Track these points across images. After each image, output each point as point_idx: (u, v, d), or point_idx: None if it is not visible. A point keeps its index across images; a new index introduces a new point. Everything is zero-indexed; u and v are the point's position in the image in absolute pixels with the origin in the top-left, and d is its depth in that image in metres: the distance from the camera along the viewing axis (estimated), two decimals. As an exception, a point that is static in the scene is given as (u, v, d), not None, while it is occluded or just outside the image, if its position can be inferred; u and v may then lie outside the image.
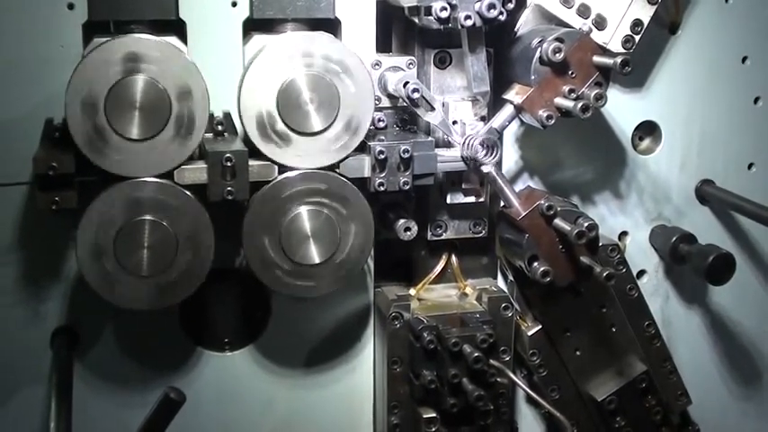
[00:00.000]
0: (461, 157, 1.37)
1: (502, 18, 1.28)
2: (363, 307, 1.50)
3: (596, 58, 1.35)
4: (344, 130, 1.28)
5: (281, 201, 1.29)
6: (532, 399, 1.51)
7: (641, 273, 1.63)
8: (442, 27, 1.29)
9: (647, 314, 1.56)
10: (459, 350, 1.39)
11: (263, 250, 1.30)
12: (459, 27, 1.28)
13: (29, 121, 1.30)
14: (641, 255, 1.62)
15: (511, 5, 1.29)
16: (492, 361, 1.43)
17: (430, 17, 1.28)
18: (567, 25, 1.39)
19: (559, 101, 1.34)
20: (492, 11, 1.26)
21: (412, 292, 1.49)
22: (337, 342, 1.50)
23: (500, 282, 1.55)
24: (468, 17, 1.26)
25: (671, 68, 1.56)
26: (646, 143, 1.60)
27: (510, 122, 1.39)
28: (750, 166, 1.64)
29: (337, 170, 1.31)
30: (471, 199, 1.46)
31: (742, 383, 1.74)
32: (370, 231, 1.33)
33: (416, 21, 1.33)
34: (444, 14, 1.27)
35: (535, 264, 1.37)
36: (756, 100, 1.62)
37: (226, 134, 1.31)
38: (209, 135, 1.30)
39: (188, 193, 1.25)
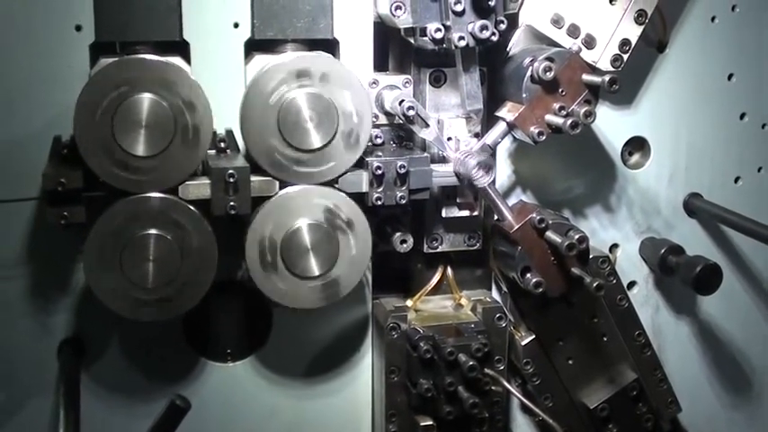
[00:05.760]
0: (454, 172, 1.41)
1: (494, 39, 1.31)
2: (362, 318, 1.53)
3: (585, 77, 1.39)
4: (343, 146, 1.32)
5: (281, 215, 1.32)
6: (526, 406, 1.54)
7: (632, 284, 1.66)
8: (436, 48, 1.33)
9: (637, 324, 1.59)
10: (455, 359, 1.42)
11: (264, 263, 1.33)
12: (453, 48, 1.32)
13: (38, 138, 1.33)
14: (631, 266, 1.65)
15: (503, 26, 1.33)
16: (487, 370, 1.46)
17: (425, 38, 1.32)
18: (557, 45, 1.43)
19: (550, 118, 1.38)
20: (484, 32, 1.30)
21: (409, 303, 1.52)
22: (337, 352, 1.53)
23: (494, 293, 1.58)
24: (461, 38, 1.30)
25: (659, 86, 1.60)
26: (635, 158, 1.63)
27: (502, 139, 1.42)
28: (736, 179, 1.68)
29: (336, 185, 1.34)
30: (466, 213, 1.49)
31: (731, 391, 1.77)
32: (368, 244, 1.37)
33: (412, 41, 1.38)
34: (439, 35, 1.31)
35: (528, 275, 1.41)
36: (742, 116, 1.66)
37: (228, 151, 1.34)
38: (212, 152, 1.33)
39: (192, 207, 1.28)
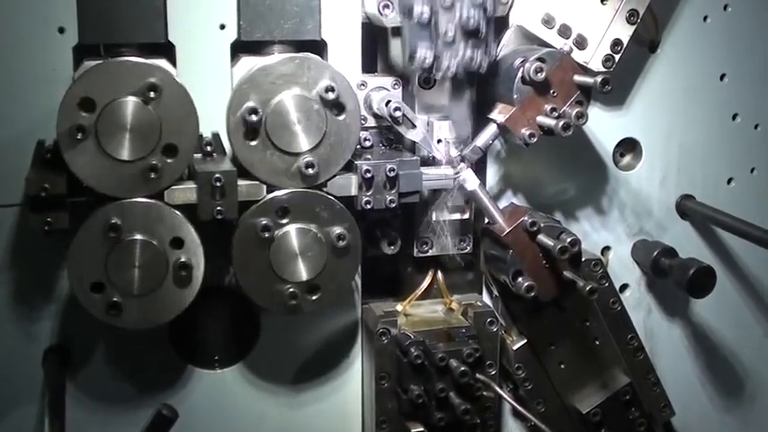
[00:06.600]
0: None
1: (484, 68, 1.32)
2: (351, 323, 1.51)
3: (577, 78, 1.38)
4: (331, 149, 1.30)
5: (269, 219, 1.30)
6: (518, 412, 1.53)
7: (624, 286, 1.65)
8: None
9: (629, 327, 1.58)
10: (446, 365, 1.41)
11: (252, 268, 1.31)
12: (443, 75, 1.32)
13: (21, 142, 1.31)
14: (624, 269, 1.65)
15: (494, 53, 1.35)
16: (478, 375, 1.45)
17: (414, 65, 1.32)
18: (548, 45, 1.42)
19: (541, 119, 1.37)
20: (473, 63, 1.31)
21: (399, 307, 1.50)
22: (326, 358, 1.51)
23: (485, 297, 1.57)
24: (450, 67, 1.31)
25: (651, 86, 1.59)
26: (627, 159, 1.62)
27: (493, 141, 1.41)
28: (729, 180, 1.67)
29: (324, 189, 1.32)
30: (456, 216, 1.48)
31: (723, 394, 1.77)
32: (358, 248, 1.35)
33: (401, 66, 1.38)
34: (428, 63, 1.31)
35: (519, 279, 1.40)
36: (734, 116, 1.65)
37: (214, 154, 1.32)
38: (198, 155, 1.31)
39: (178, 212, 1.26)
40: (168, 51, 1.33)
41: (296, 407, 1.52)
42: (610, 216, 1.62)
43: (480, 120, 1.44)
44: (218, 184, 1.25)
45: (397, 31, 1.36)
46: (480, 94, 1.46)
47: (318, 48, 1.38)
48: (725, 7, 1.60)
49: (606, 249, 1.63)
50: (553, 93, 1.37)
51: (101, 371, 1.43)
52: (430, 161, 1.42)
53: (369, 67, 1.44)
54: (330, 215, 1.32)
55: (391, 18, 1.34)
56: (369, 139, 1.42)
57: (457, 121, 1.43)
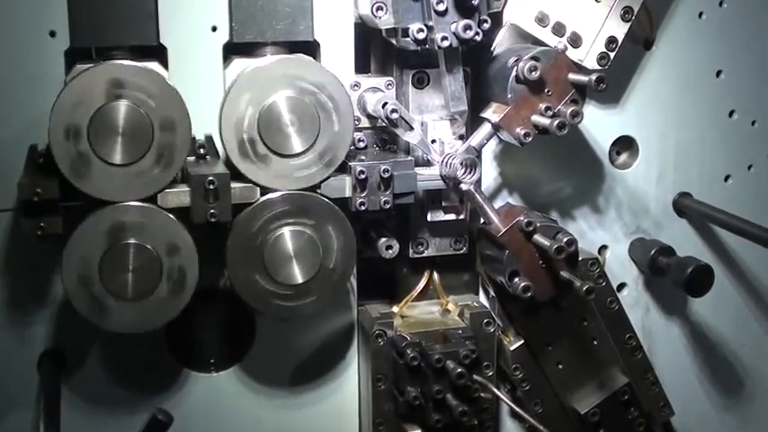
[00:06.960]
0: (440, 175, 1.39)
1: (478, 38, 1.29)
2: (347, 325, 1.50)
3: (572, 76, 1.37)
4: (325, 151, 1.30)
5: (263, 222, 1.30)
6: (516, 413, 1.53)
7: (621, 286, 1.64)
8: (419, 48, 1.31)
9: (627, 326, 1.58)
10: (443, 366, 1.40)
11: (247, 271, 1.31)
12: (436, 48, 1.29)
13: (13, 147, 1.30)
14: (621, 268, 1.64)
15: (486, 26, 1.31)
16: (475, 376, 1.44)
17: (407, 39, 1.30)
18: (542, 44, 1.41)
19: (536, 118, 1.36)
20: (468, 32, 1.27)
21: (395, 309, 1.50)
22: (322, 360, 1.51)
23: (481, 298, 1.56)
24: (444, 38, 1.28)
25: (646, 84, 1.58)
26: (623, 158, 1.62)
27: (488, 140, 1.40)
28: (726, 178, 1.67)
29: (318, 190, 1.32)
30: (452, 216, 1.47)
31: (723, 393, 1.76)
32: (353, 250, 1.34)
33: (394, 42, 1.35)
34: (421, 36, 1.28)
35: (516, 279, 1.39)
36: (731, 113, 1.64)
37: (208, 157, 1.31)
38: (192, 158, 1.30)
39: (171, 216, 1.26)
40: (160, 54, 1.32)
41: (292, 409, 1.51)
42: (606, 215, 1.61)
43: (475, 119, 1.43)
44: (212, 186, 1.24)
45: (391, 32, 1.35)
46: (475, 94, 1.45)
47: (311, 49, 1.37)
48: (720, 3, 1.59)
49: (603, 248, 1.62)
50: (548, 91, 1.37)
51: (96, 375, 1.42)
52: (424, 161, 1.41)
53: (362, 67, 1.44)
54: (324, 217, 1.32)
55: (385, 20, 1.33)
56: (363, 140, 1.41)
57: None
